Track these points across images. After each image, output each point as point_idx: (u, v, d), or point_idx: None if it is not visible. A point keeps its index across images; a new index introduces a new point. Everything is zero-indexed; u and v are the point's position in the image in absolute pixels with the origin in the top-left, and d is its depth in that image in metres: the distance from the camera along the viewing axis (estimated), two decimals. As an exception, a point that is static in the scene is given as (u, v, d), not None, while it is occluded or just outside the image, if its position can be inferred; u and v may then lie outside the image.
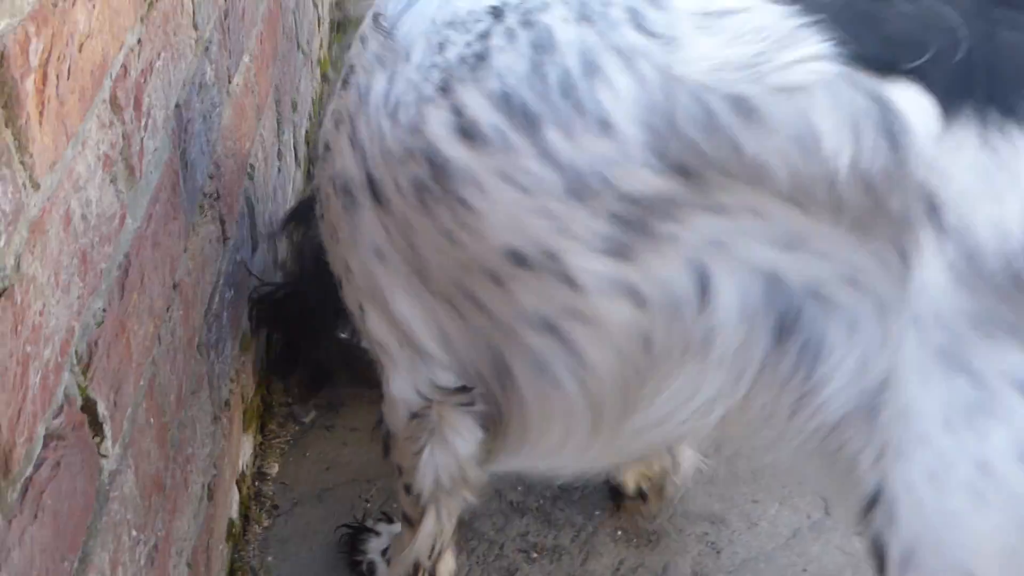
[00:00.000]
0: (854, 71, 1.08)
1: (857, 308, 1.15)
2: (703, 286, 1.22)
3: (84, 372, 1.22)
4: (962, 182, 1.03)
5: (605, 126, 1.21)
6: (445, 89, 1.35)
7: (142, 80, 1.44)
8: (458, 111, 1.33)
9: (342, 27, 3.96)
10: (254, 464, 2.18)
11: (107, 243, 1.29)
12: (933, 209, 1.05)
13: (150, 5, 1.50)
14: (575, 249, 1.27)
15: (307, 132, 3.15)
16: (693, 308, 1.23)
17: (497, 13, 1.34)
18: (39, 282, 1.08)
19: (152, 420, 1.48)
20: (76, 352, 1.20)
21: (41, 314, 1.08)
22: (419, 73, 1.39)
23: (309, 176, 3.08)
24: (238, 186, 2.09)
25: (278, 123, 2.61)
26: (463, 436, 1.59)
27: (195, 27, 1.76)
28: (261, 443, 2.24)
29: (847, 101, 1.08)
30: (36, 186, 1.07)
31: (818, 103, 1.09)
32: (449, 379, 1.55)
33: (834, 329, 1.16)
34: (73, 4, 1.17)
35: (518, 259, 1.32)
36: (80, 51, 1.19)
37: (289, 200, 2.75)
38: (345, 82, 1.57)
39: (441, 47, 1.38)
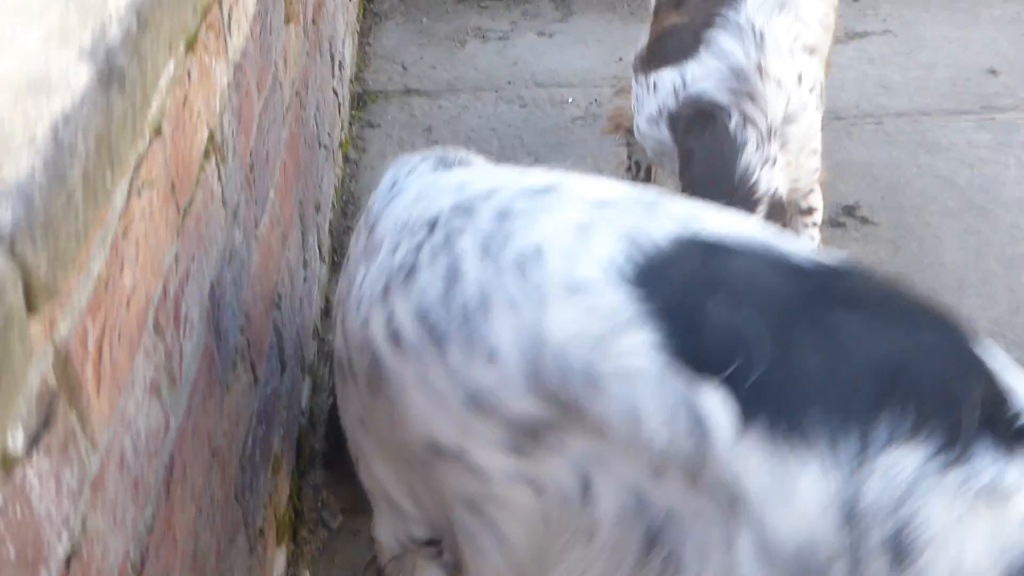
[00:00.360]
0: (674, 367, 1.25)
1: (706, 537, 1.31)
2: (586, 488, 1.39)
3: (138, 577, 1.41)
4: (755, 483, 1.20)
5: (493, 356, 1.39)
6: (386, 292, 1.55)
7: (180, 292, 1.62)
8: (391, 316, 1.52)
9: (362, 101, 4.13)
10: (287, 572, 2.37)
11: (154, 457, 1.47)
12: (736, 497, 1.22)
13: (184, 214, 1.68)
14: (480, 446, 1.45)
15: (331, 223, 3.33)
16: (578, 503, 1.41)
17: (432, 226, 1.54)
18: (101, 530, 1.26)
19: (196, 588, 1.66)
20: (132, 565, 1.38)
21: (103, 556, 1.26)
22: (377, 272, 1.60)
23: (334, 266, 3.26)
24: (267, 323, 2.27)
25: (302, 235, 2.79)
26: None
27: (224, 203, 1.94)
28: (293, 551, 2.43)
29: (666, 392, 1.25)
30: (96, 448, 1.26)
31: (643, 389, 1.27)
32: (422, 532, 1.75)
33: (689, 550, 1.33)
34: (121, 271, 1.35)
35: (437, 450, 1.52)
36: (128, 307, 1.37)
37: (315, 304, 2.93)
38: (343, 269, 1.79)
39: (394, 250, 1.59)
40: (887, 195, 3.59)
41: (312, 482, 2.60)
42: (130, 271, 1.38)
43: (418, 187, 1.69)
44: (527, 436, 1.41)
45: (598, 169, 3.69)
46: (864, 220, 3.48)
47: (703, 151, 2.51)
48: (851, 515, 1.15)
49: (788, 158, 2.52)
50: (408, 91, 4.19)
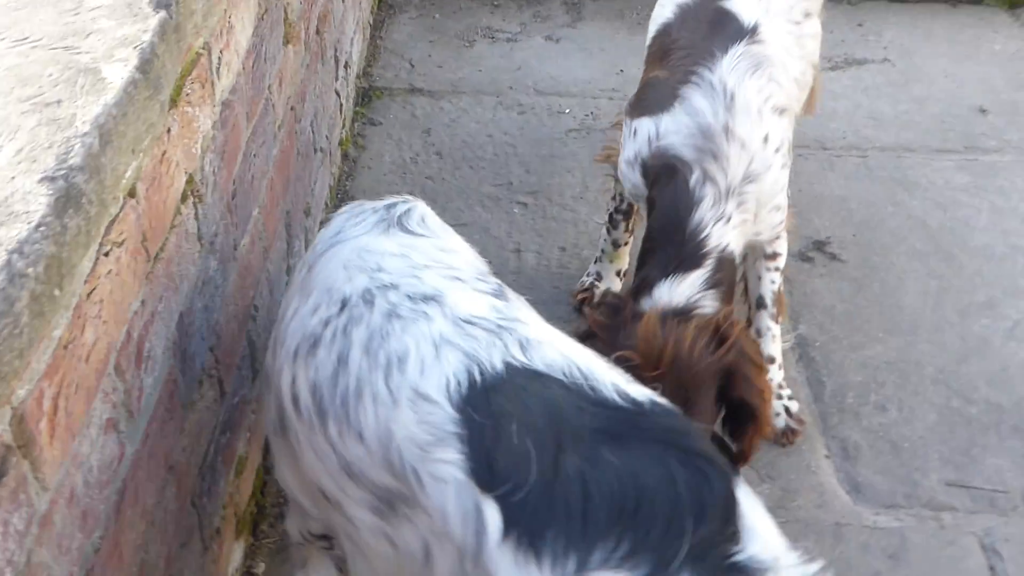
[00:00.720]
0: (469, 481, 1.52)
1: None
2: (427, 555, 1.63)
3: (83, 593, 1.60)
4: None
5: (360, 437, 1.67)
6: (296, 355, 1.82)
7: (145, 333, 1.81)
8: (295, 379, 1.81)
9: (367, 96, 4.29)
10: (244, 564, 2.58)
11: (106, 486, 1.66)
12: None
13: (155, 259, 1.86)
14: (351, 502, 1.73)
15: (321, 223, 3.50)
16: (421, 564, 1.65)
17: (343, 306, 1.80)
18: (45, 562, 1.45)
19: (142, 594, 1.86)
20: (77, 582, 1.57)
21: (47, 584, 1.46)
22: (298, 326, 1.86)
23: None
24: (240, 337, 2.45)
25: (288, 242, 2.96)
26: (318, 570, 2.12)
27: (199, 238, 2.12)
28: (252, 544, 2.64)
29: (463, 500, 1.52)
30: (46, 489, 1.44)
31: (449, 494, 1.54)
32: (318, 529, 2.05)
33: None
34: (82, 331, 1.53)
35: (324, 494, 1.81)
36: (87, 361, 1.56)
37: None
38: (286, 291, 2.01)
39: (314, 311, 1.84)
40: (859, 232, 3.74)
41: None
42: (92, 328, 1.57)
43: (354, 247, 1.92)
44: (386, 504, 1.67)
45: (585, 185, 3.85)
46: (832, 256, 3.63)
47: (662, 203, 2.67)
48: None
49: (745, 216, 2.67)
50: (413, 90, 4.35)
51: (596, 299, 3.32)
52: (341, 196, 3.77)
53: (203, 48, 2.09)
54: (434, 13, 4.85)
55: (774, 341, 3.06)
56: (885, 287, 3.52)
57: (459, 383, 1.61)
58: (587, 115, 4.24)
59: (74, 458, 1.53)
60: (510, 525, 1.46)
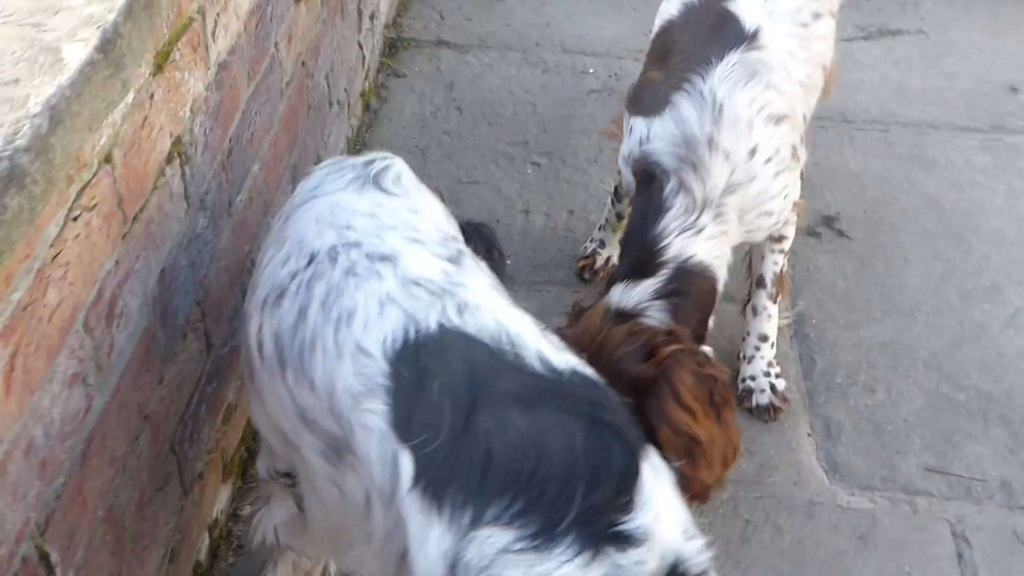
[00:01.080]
0: (391, 431, 1.63)
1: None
2: (368, 503, 1.74)
3: (41, 535, 1.71)
4: (412, 526, 1.57)
5: (312, 385, 1.78)
6: (264, 304, 1.92)
7: (118, 291, 1.89)
8: (260, 327, 1.91)
9: (394, 47, 4.33)
10: (230, 506, 2.69)
11: (70, 437, 1.76)
12: (405, 535, 1.58)
13: (133, 221, 1.94)
14: (306, 447, 1.85)
15: (335, 175, 3.57)
16: (363, 512, 1.76)
17: (310, 260, 1.88)
18: (-1, 509, 1.55)
19: (108, 537, 1.96)
20: (35, 524, 1.68)
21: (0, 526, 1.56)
22: (268, 275, 1.95)
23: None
24: (231, 291, 2.54)
25: (293, 195, 3.03)
26: (281, 507, 2.24)
27: (186, 198, 2.20)
28: (240, 487, 2.75)
29: (383, 447, 1.64)
30: (0, 442, 1.54)
31: (373, 442, 1.65)
32: (283, 467, 2.15)
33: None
34: (44, 293, 1.62)
35: (284, 437, 1.93)
36: (50, 321, 1.65)
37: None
38: (264, 240, 2.13)
39: (285, 262, 1.93)
40: (870, 209, 3.74)
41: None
42: (56, 290, 1.65)
43: (328, 203, 2.00)
44: (334, 451, 1.78)
45: (599, 148, 3.88)
46: (840, 233, 3.64)
47: (635, 207, 2.71)
48: (454, 569, 1.52)
49: (725, 228, 2.66)
50: (440, 42, 4.39)
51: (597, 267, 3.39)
52: (360, 148, 3.83)
53: (197, 12, 2.15)
54: (470, -36, 4.87)
55: (769, 321, 3.09)
56: (889, 267, 3.53)
57: (394, 340, 1.71)
58: (611, 76, 4.25)
59: (33, 412, 1.62)
60: (419, 475, 1.58)
